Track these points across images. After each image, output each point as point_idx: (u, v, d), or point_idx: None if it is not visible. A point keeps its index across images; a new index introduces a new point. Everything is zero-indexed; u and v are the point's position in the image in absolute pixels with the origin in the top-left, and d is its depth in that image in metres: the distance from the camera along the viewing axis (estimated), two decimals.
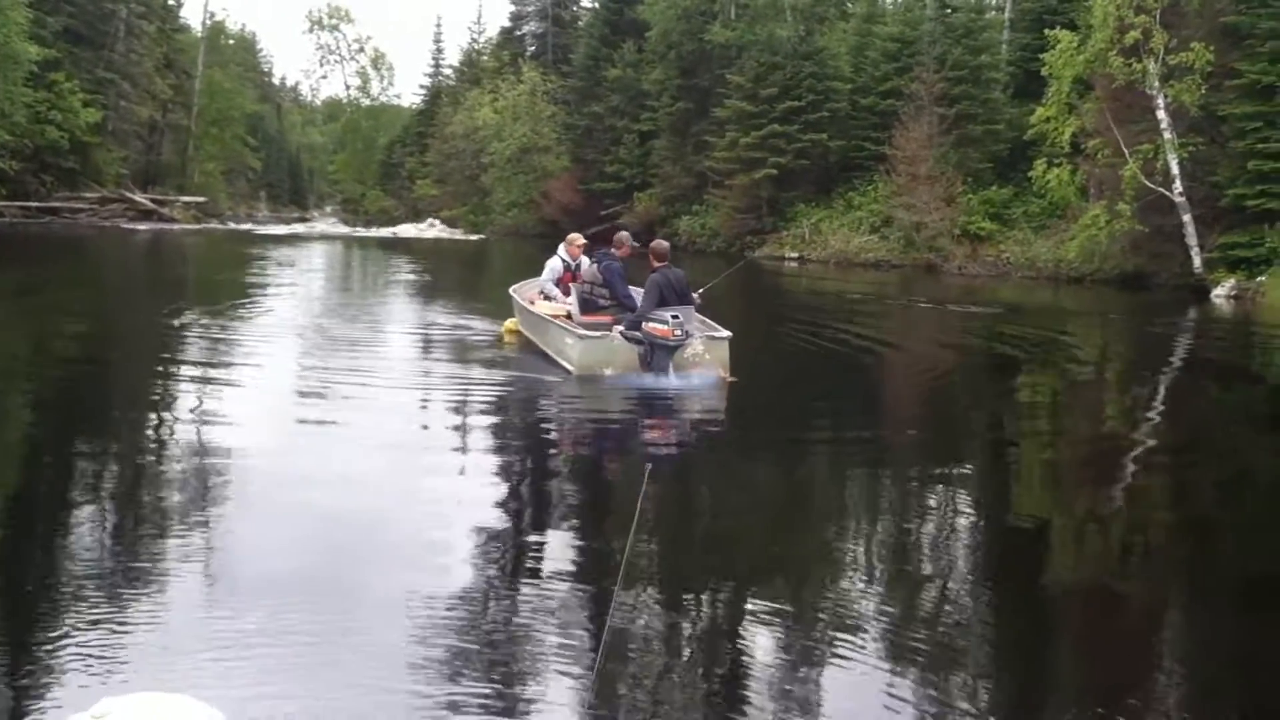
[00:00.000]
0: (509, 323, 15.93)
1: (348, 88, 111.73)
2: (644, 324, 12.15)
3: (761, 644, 5.43)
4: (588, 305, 13.90)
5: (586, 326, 13.05)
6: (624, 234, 14.76)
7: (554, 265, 15.08)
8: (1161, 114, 31.55)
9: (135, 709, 2.39)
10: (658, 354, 12.08)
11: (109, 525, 6.94)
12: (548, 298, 14.81)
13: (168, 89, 67.84)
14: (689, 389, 11.87)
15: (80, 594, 5.62)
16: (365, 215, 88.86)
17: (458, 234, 66.23)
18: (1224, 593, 6.74)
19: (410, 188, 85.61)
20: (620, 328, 12.58)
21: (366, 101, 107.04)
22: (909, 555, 7.11)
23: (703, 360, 12.24)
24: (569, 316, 13.86)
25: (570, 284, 14.66)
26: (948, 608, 6.16)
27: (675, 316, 11.98)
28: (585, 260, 14.86)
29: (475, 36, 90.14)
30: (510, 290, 16.31)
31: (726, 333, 12.66)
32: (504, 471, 8.89)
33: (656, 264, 12.90)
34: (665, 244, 13.55)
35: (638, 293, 13.37)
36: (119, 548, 6.53)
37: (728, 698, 4.87)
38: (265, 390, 11.92)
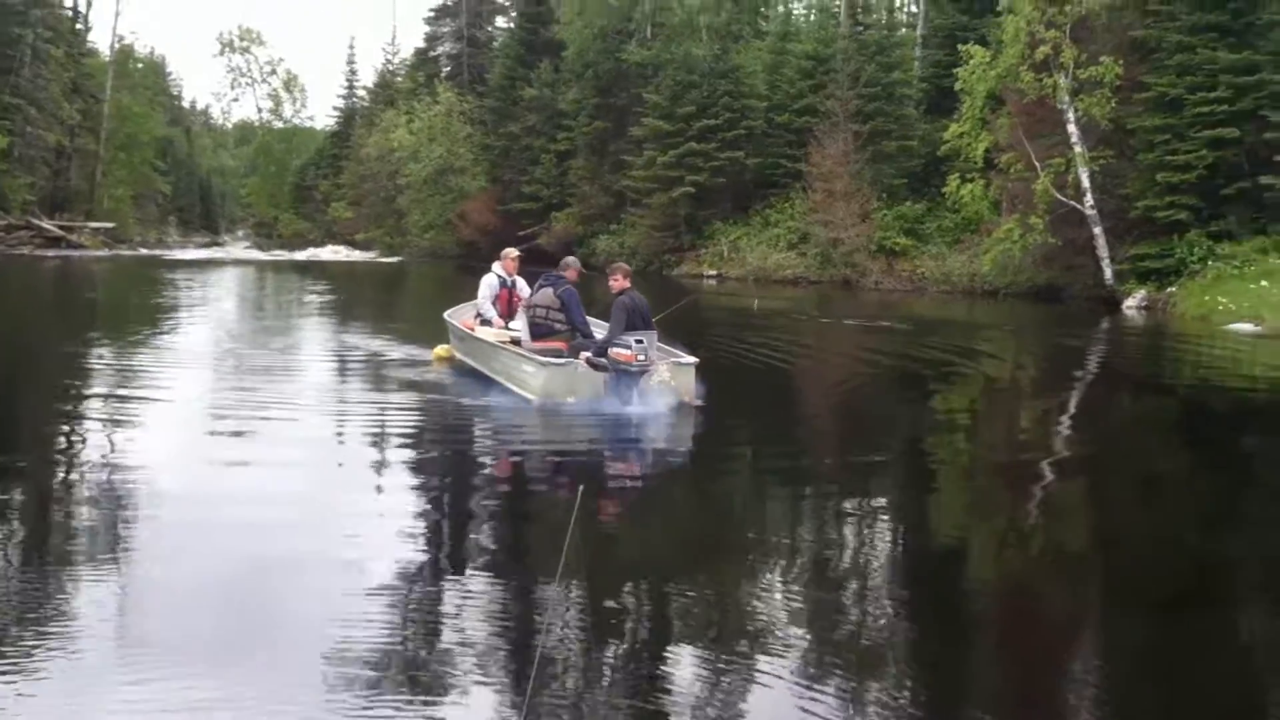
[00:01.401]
0: (440, 349, 15.40)
1: (259, 110, 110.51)
2: (608, 350, 11.82)
3: (685, 664, 5.31)
4: (540, 330, 13.25)
5: (539, 353, 12.58)
6: (573, 259, 14.11)
7: (490, 282, 14.56)
8: (1072, 128, 32.01)
9: None
10: (622, 380, 11.68)
11: (10, 568, 6.57)
12: (484, 321, 14.31)
13: (75, 114, 66.46)
14: (652, 415, 11.44)
15: None
16: (279, 239, 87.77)
17: (373, 256, 65.59)
18: (1136, 600, 6.77)
19: (325, 210, 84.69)
20: (586, 354, 12.07)
21: (279, 124, 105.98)
22: (827, 570, 7.05)
23: (668, 386, 11.77)
24: (515, 342, 13.41)
25: (516, 305, 14.20)
26: (867, 621, 6.12)
27: (640, 341, 11.67)
28: (520, 280, 14.48)
29: (390, 58, 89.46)
30: (445, 315, 15.68)
31: (692, 358, 12.32)
32: (430, 501, 8.66)
33: (620, 286, 12.51)
34: (628, 267, 13.20)
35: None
36: (23, 592, 6.13)
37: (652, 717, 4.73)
38: (176, 420, 11.53)
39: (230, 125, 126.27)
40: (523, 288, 14.36)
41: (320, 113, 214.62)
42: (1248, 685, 5.50)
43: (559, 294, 13.21)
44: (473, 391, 12.89)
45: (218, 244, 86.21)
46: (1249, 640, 6.20)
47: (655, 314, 12.90)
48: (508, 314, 14.37)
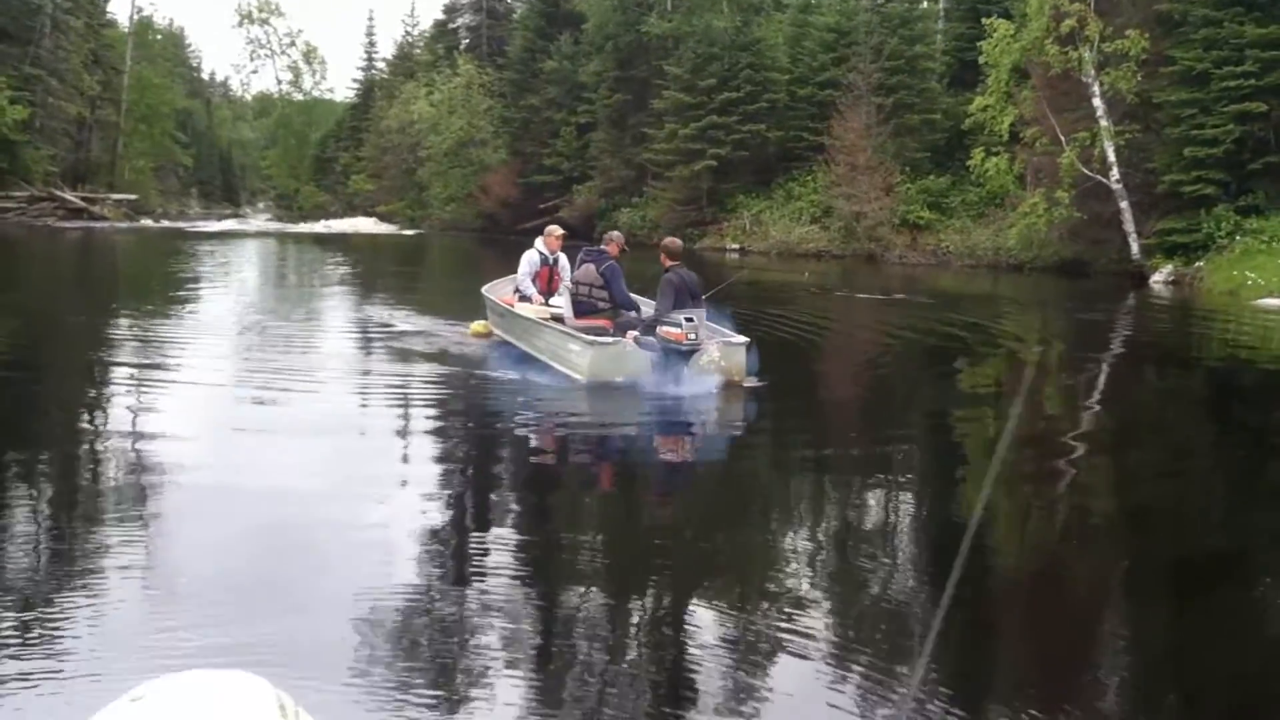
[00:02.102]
0: (478, 324, 15.05)
1: (279, 82, 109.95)
2: (657, 328, 11.53)
3: (707, 640, 5.30)
4: (583, 308, 12.84)
5: (583, 331, 12.16)
6: (616, 233, 13.89)
7: (531, 259, 14.09)
8: (1098, 101, 31.78)
9: (175, 687, 2.20)
10: (670, 359, 11.33)
11: (41, 532, 6.60)
12: (524, 297, 13.92)
13: (95, 85, 66.43)
14: (702, 395, 11.07)
15: (15, 602, 5.32)
16: (299, 211, 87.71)
17: (394, 229, 65.59)
18: (1163, 577, 6.77)
19: (345, 183, 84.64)
20: (634, 333, 11.76)
21: (298, 96, 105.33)
22: (855, 545, 7.09)
23: (719, 366, 11.42)
24: (556, 319, 13.01)
25: (557, 283, 13.90)
26: (891, 596, 6.15)
27: (689, 319, 11.34)
28: (563, 257, 14.13)
29: (409, 30, 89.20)
30: (484, 290, 15.28)
31: (743, 338, 11.92)
32: (454, 471, 8.68)
33: (669, 263, 12.10)
34: (679, 242, 12.74)
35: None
36: (54, 554, 6.20)
37: (676, 692, 4.74)
38: (201, 390, 11.56)
39: (250, 97, 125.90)
40: (564, 265, 14.03)
41: (340, 85, 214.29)
42: (1274, 662, 5.49)
43: (602, 270, 12.87)
44: (514, 368, 12.58)
45: (239, 216, 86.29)
46: (1272, 616, 6.17)
47: (715, 287, 12.60)
48: (548, 291, 13.98)
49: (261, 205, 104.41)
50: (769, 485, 8.82)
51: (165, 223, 65.51)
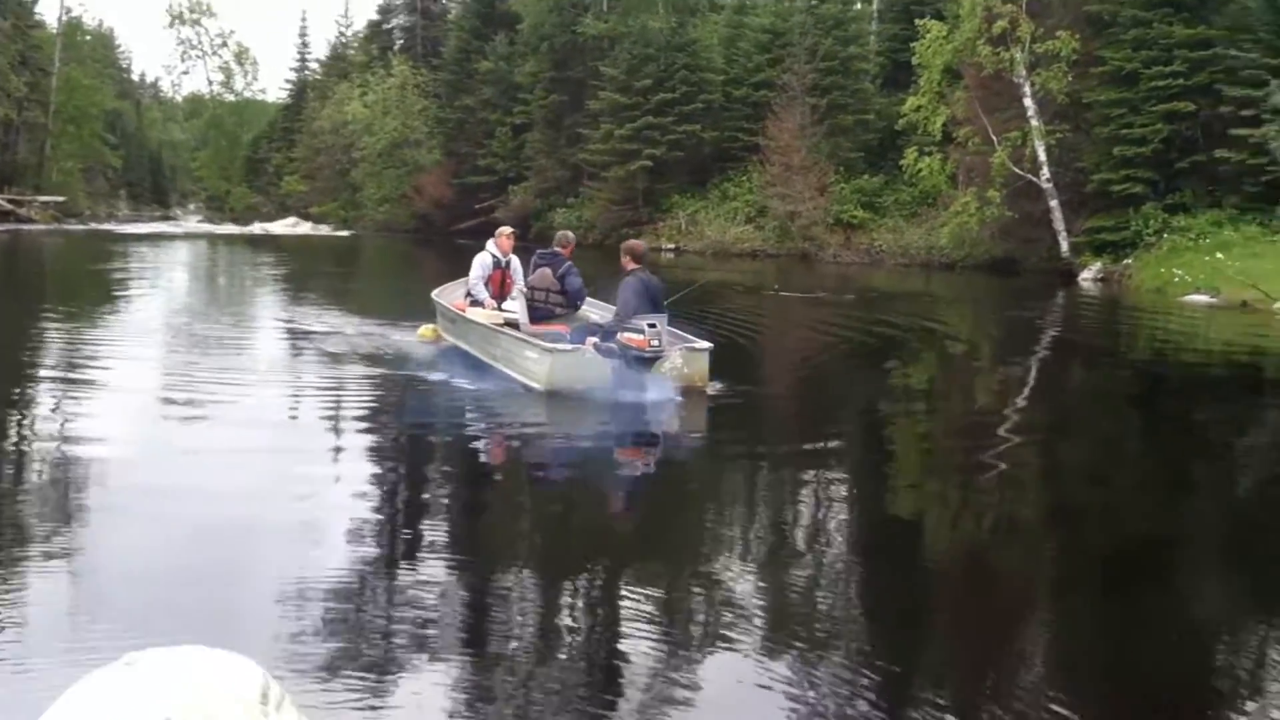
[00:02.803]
0: (425, 329, 14.68)
1: (210, 83, 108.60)
2: (618, 333, 11.15)
3: (639, 634, 5.27)
4: (539, 313, 12.57)
5: (539, 337, 11.80)
6: (568, 233, 13.43)
7: (483, 261, 13.51)
8: (1029, 101, 32.16)
9: (165, 659, 2.15)
10: (632, 366, 10.95)
11: None
12: (475, 302, 13.37)
13: (23, 86, 65.20)
14: (663, 402, 10.75)
15: None
16: (231, 212, 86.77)
17: (328, 230, 65.02)
18: (1091, 570, 6.83)
19: (277, 184, 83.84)
20: (594, 339, 11.34)
21: (230, 97, 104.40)
22: (785, 542, 7.09)
23: (681, 373, 11.12)
24: (508, 324, 12.61)
25: (510, 286, 13.41)
26: (823, 593, 6.13)
27: (652, 326, 11.01)
28: (514, 259, 13.66)
29: (342, 30, 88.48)
30: (434, 295, 14.74)
31: (706, 344, 11.58)
32: (383, 471, 8.58)
33: (632, 266, 11.68)
34: (643, 245, 12.38)
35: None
36: None
37: (608, 685, 4.70)
38: (129, 393, 11.37)
39: (180, 98, 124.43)
40: (516, 268, 13.64)
41: (272, 86, 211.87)
42: (1199, 652, 5.52)
43: (559, 274, 12.64)
44: (465, 374, 12.25)
45: (169, 218, 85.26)
46: (1201, 608, 6.24)
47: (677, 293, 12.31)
48: (500, 295, 13.46)
49: (192, 207, 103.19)
50: (723, 491, 8.70)
51: (94, 225, 64.45)
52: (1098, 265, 31.20)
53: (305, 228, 66.50)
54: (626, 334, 11.04)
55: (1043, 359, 17.40)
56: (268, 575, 5.80)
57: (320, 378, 12.87)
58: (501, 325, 12.56)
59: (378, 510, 7.24)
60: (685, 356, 11.24)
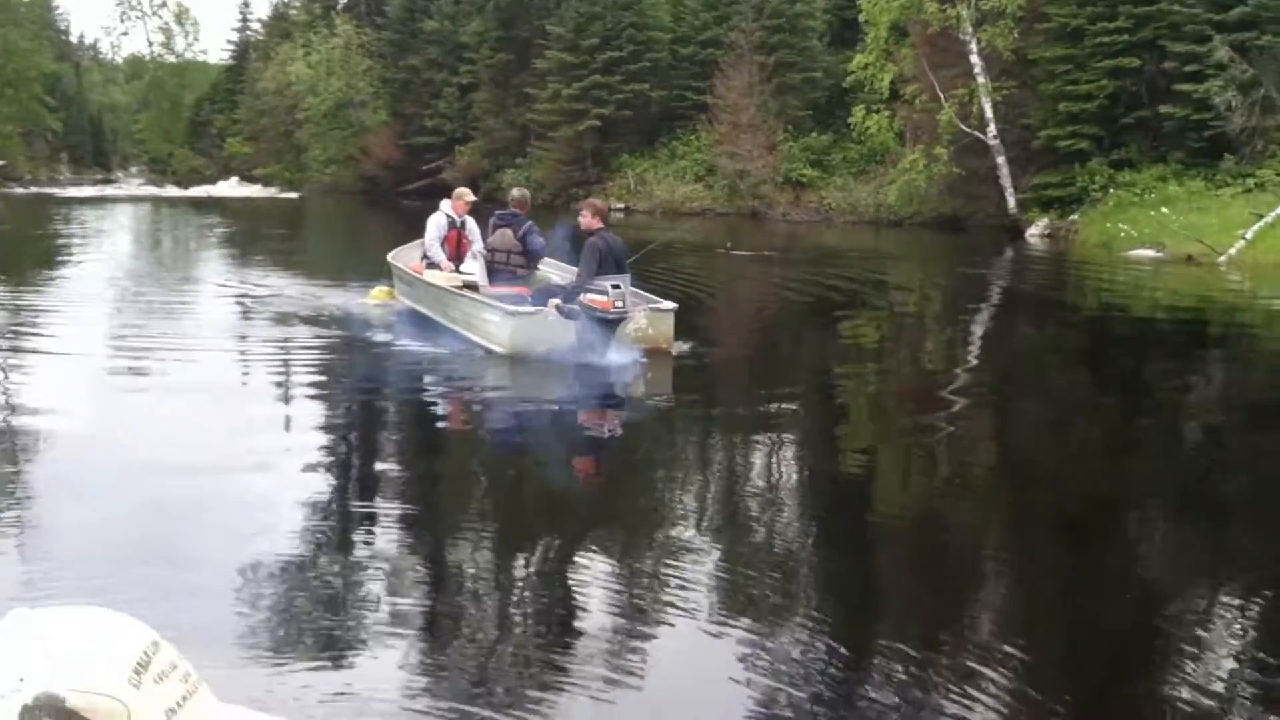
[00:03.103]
0: (378, 290, 14.44)
1: (150, 44, 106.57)
2: (581, 295, 10.80)
3: (595, 598, 5.26)
4: (500, 275, 12.38)
5: (500, 298, 11.59)
6: (521, 190, 13.21)
7: (439, 222, 13.14)
8: (975, 58, 32.22)
9: (39, 618, 2.01)
10: (595, 328, 10.68)
11: None
12: (432, 264, 13.02)
13: None
14: (629, 365, 10.55)
15: None
16: (174, 176, 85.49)
17: (273, 192, 64.28)
18: (1043, 520, 6.92)
19: (221, 146, 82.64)
20: (556, 301, 11.07)
21: (171, 58, 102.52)
22: (738, 501, 7.10)
23: (645, 335, 10.96)
24: (467, 286, 12.32)
25: (466, 248, 13.05)
26: (780, 553, 6.13)
27: (616, 287, 10.64)
28: (470, 221, 13.27)
29: None
30: (389, 258, 14.34)
31: (670, 304, 11.40)
32: (337, 437, 8.48)
33: (595, 225, 11.44)
34: (601, 203, 12.23)
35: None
36: None
37: (564, 653, 4.67)
38: (73, 359, 11.21)
39: (121, 60, 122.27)
40: (473, 229, 13.25)
41: (214, 46, 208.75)
42: (1152, 607, 5.56)
43: (520, 235, 12.44)
44: (421, 337, 12.06)
45: (111, 181, 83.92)
46: (1149, 561, 6.31)
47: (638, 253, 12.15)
48: (456, 257, 13.11)
49: (135, 170, 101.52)
50: (688, 455, 8.60)
51: (35, 189, 63.46)
52: (1044, 221, 31.44)
53: (250, 190, 65.69)
54: (590, 295, 10.72)
55: (992, 315, 17.55)
56: (217, 548, 5.71)
57: (270, 342, 12.73)
58: (460, 288, 12.31)
59: (333, 478, 7.17)
60: (649, 318, 11.11)
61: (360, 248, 28.53)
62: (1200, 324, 16.55)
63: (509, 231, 12.50)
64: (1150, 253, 24.86)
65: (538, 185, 47.71)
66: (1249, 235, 23.31)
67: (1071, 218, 30.66)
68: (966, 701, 4.25)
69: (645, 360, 10.71)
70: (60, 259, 23.63)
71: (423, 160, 56.64)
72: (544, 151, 49.74)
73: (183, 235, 35.13)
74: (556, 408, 9.96)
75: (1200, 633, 5.06)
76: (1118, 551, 6.30)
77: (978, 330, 15.62)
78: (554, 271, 12.98)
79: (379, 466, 7.76)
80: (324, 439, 8.22)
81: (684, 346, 11.41)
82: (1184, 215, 25.89)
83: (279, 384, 10.45)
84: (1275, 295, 19.60)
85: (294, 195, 61.59)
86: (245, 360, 11.56)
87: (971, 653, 4.79)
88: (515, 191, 13.17)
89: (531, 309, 11.20)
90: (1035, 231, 31.29)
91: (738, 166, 41.08)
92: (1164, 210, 26.59)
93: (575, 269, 11.86)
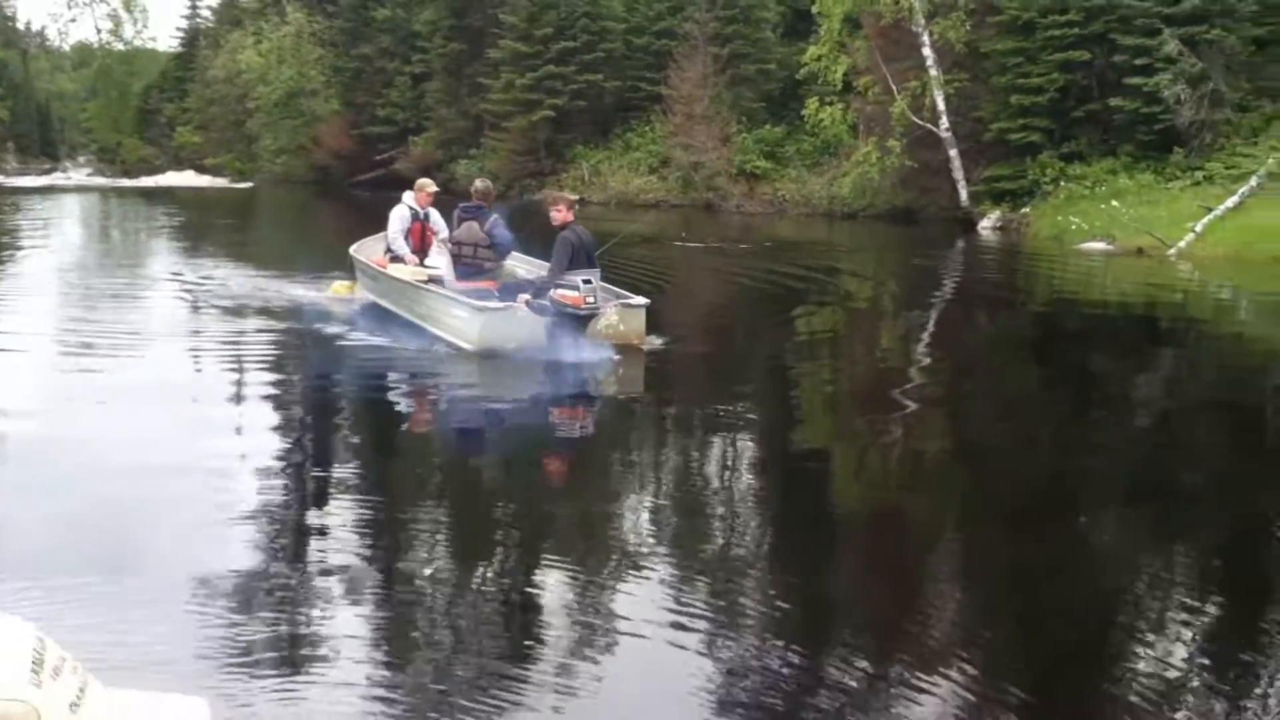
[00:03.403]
0: (338, 285, 14.28)
1: (99, 31, 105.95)
2: (552, 291, 10.79)
3: (555, 606, 5.25)
4: (467, 270, 12.23)
5: (466, 294, 11.44)
6: (484, 182, 12.96)
7: (401, 215, 12.97)
8: (928, 51, 32.30)
9: None
10: (566, 324, 10.65)
11: None
12: (395, 257, 12.85)
13: None
14: (600, 362, 10.49)
15: None
16: (123, 165, 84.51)
17: (224, 182, 63.64)
18: (993, 514, 7.03)
19: (170, 135, 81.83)
20: (525, 296, 11.01)
21: (120, 46, 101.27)
22: (707, 502, 7.12)
23: (616, 331, 10.91)
24: (432, 280, 12.21)
25: (430, 240, 12.96)
26: (733, 542, 6.25)
27: (587, 282, 10.68)
28: (435, 213, 13.14)
29: None
30: (351, 251, 14.16)
31: (642, 300, 11.40)
32: (294, 439, 8.40)
33: (566, 218, 11.30)
34: (571, 196, 12.10)
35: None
36: None
37: (523, 662, 4.66)
38: (19, 353, 11.06)
39: (68, 47, 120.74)
40: (437, 221, 13.15)
41: (163, 34, 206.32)
42: (1100, 594, 5.65)
43: (488, 228, 12.21)
44: (383, 332, 11.93)
45: (59, 171, 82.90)
46: (1101, 550, 6.39)
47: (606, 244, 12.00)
48: (420, 250, 12.98)
49: (83, 160, 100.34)
50: (659, 452, 8.58)
51: None
52: (996, 214, 31.60)
53: (201, 180, 65.01)
54: (560, 291, 10.69)
55: (944, 307, 17.64)
56: (165, 554, 5.64)
57: (225, 337, 12.61)
58: (425, 282, 12.16)
59: (289, 481, 7.11)
60: (621, 314, 11.03)
61: (313, 239, 28.37)
62: (1150, 317, 16.74)
63: (474, 224, 12.29)
64: (1101, 245, 25.06)
65: (492, 176, 47.19)
66: (1198, 228, 23.54)
67: (1023, 210, 30.85)
68: (924, 695, 4.29)
69: (617, 357, 10.61)
70: (8, 249, 23.30)
71: (375, 150, 56.22)
72: (498, 142, 49.49)
73: (133, 225, 34.74)
74: (526, 406, 9.81)
75: (1152, 621, 5.13)
76: (1069, 543, 6.39)
77: (929, 323, 15.70)
78: (521, 265, 12.84)
79: (338, 469, 7.62)
80: (280, 441, 8.15)
81: (656, 342, 11.38)
82: (1134, 208, 26.10)
83: (234, 381, 10.30)
84: (1223, 288, 19.80)
85: (245, 185, 61.01)
86: (199, 356, 11.44)
87: (931, 639, 4.87)
88: (478, 183, 12.93)
89: (501, 305, 11.04)
90: (987, 224, 31.45)
91: (692, 158, 41.05)
92: (1114, 203, 26.79)
93: (542, 262, 11.81)
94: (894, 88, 32.66)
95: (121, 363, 10.63)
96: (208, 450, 7.55)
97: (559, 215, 11.34)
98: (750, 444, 8.62)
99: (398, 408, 9.91)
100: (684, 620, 4.94)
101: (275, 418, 8.87)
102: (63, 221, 34.19)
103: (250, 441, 7.92)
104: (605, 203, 43.12)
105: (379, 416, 9.39)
